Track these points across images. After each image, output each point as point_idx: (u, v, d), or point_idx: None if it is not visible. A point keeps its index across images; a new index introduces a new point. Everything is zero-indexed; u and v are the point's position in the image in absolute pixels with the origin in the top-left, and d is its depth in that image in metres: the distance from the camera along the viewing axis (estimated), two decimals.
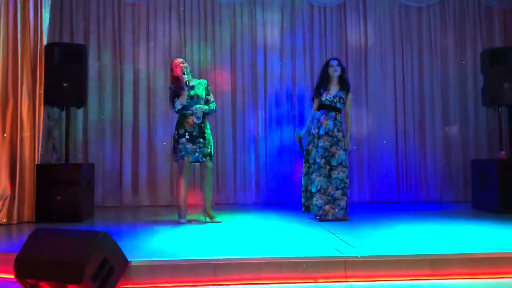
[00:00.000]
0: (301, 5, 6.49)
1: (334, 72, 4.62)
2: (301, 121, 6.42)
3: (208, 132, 4.51)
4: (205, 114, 4.52)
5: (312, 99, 4.80)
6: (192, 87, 4.50)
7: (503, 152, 5.49)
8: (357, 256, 2.97)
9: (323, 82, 4.66)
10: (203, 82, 4.64)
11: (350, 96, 4.69)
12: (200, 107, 4.45)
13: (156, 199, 6.20)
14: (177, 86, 4.47)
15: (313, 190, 4.48)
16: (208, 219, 4.53)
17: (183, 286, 2.80)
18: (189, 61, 6.32)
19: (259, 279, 2.86)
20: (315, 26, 6.51)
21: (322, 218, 4.47)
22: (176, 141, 4.47)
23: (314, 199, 4.48)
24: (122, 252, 2.76)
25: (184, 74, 4.44)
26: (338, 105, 4.63)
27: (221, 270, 2.86)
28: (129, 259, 2.79)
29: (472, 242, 3.46)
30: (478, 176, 5.41)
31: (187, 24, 6.38)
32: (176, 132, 4.49)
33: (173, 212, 5.35)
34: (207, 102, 4.54)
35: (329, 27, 6.51)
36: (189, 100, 4.44)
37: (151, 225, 4.43)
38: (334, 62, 4.69)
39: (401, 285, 2.83)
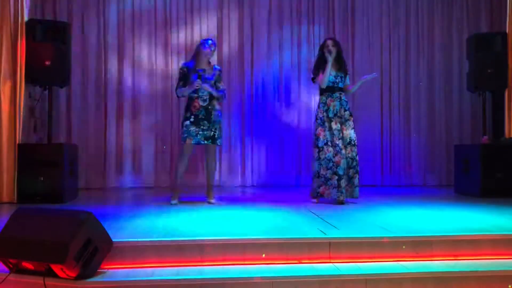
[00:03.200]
0: None
1: (330, 53, 4.56)
2: (288, 101, 6.41)
3: (215, 114, 4.47)
4: (213, 97, 4.48)
5: (313, 80, 4.74)
6: (203, 70, 4.44)
7: (486, 137, 5.57)
8: (342, 237, 3.00)
9: (321, 63, 4.61)
10: (216, 68, 4.59)
11: (347, 78, 4.70)
12: (206, 86, 4.38)
13: (141, 181, 6.15)
14: (186, 72, 4.44)
15: (341, 172, 4.44)
16: (211, 200, 4.56)
17: (169, 267, 2.79)
18: (174, 40, 6.24)
19: (244, 259, 2.87)
20: (303, 5, 6.44)
21: (343, 199, 4.44)
22: (182, 123, 4.51)
23: (343, 181, 4.44)
24: (106, 233, 2.74)
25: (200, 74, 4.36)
26: (340, 84, 4.61)
27: (208, 250, 2.85)
28: (114, 240, 2.76)
29: (454, 224, 3.51)
30: (461, 160, 5.49)
31: (173, 1, 6.26)
32: (184, 115, 4.52)
33: (158, 194, 5.34)
34: (216, 89, 4.49)
35: (317, 7, 6.45)
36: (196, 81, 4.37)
37: (136, 207, 4.41)
38: (330, 43, 4.63)
39: (384, 266, 2.86)
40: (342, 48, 6.26)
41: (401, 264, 2.89)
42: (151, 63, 6.24)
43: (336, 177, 4.45)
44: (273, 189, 5.99)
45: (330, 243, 2.94)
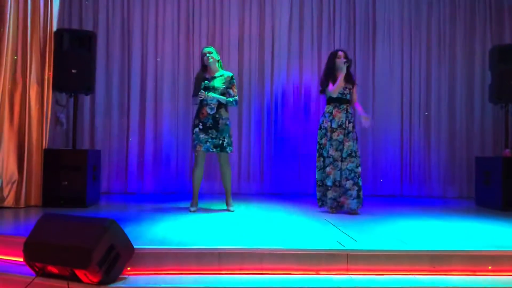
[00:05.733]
0: None
1: (342, 64, 4.59)
2: (307, 109, 6.45)
3: (223, 123, 4.52)
4: (222, 105, 4.54)
5: (320, 92, 4.78)
6: (213, 78, 4.54)
7: (508, 150, 5.49)
8: (360, 250, 3.01)
9: (331, 73, 4.64)
10: (227, 74, 4.64)
11: (355, 88, 4.73)
12: (212, 95, 4.45)
13: (161, 186, 6.25)
14: (198, 81, 4.55)
15: (329, 183, 4.52)
16: (230, 207, 4.64)
17: (188, 274, 2.85)
18: (197, 49, 6.33)
19: (262, 269, 2.91)
20: (324, 16, 6.49)
21: (337, 210, 4.54)
22: (192, 130, 4.61)
23: (329, 192, 4.53)
24: (128, 239, 2.81)
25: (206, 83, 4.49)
26: (348, 96, 4.64)
27: (226, 259, 2.90)
28: (134, 246, 2.84)
29: (474, 239, 3.48)
30: (482, 173, 5.42)
31: (196, 11, 6.38)
32: (193, 121, 4.63)
33: (178, 200, 5.42)
34: (226, 94, 4.55)
35: (338, 18, 6.48)
36: (205, 91, 4.46)
37: (156, 213, 4.49)
38: (342, 54, 4.67)
39: (402, 280, 2.86)
40: (362, 56, 6.41)
41: (418, 278, 2.89)
42: (173, 72, 6.35)
43: (337, 191, 4.52)
44: (291, 197, 6.01)
45: (347, 255, 2.96)
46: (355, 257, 2.96)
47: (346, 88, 4.63)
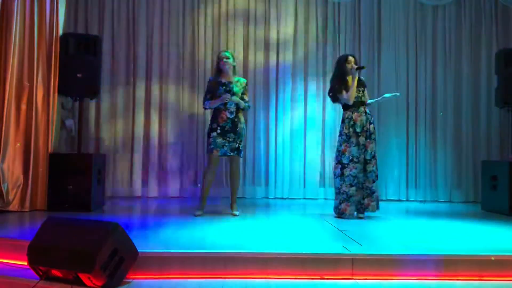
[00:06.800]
0: (315, 1, 6.49)
1: (354, 69, 4.52)
2: (312, 116, 6.44)
3: (241, 127, 4.56)
4: (239, 109, 4.57)
5: (333, 96, 4.63)
6: (230, 83, 4.57)
7: None
8: (365, 254, 2.99)
9: (342, 79, 4.57)
10: (242, 80, 4.69)
11: (366, 91, 4.68)
12: (236, 98, 4.48)
13: (166, 190, 6.25)
14: (213, 85, 4.55)
15: (353, 188, 4.45)
16: (235, 212, 4.61)
17: (192, 279, 2.84)
18: (201, 53, 6.35)
19: (266, 273, 2.90)
20: (329, 23, 6.49)
21: (361, 211, 4.49)
22: (208, 134, 4.60)
23: (352, 197, 4.44)
24: (132, 243, 2.81)
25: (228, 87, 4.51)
26: (363, 98, 4.60)
27: (230, 263, 2.89)
28: (139, 250, 2.83)
29: (481, 243, 3.46)
30: (488, 177, 5.39)
31: (201, 16, 6.40)
32: (210, 125, 4.61)
33: (182, 204, 5.41)
34: (242, 100, 4.57)
35: (342, 23, 6.49)
36: (225, 94, 4.48)
37: (161, 217, 4.48)
38: (352, 59, 4.61)
39: (407, 285, 2.84)
40: (368, 61, 6.39)
41: (424, 283, 2.86)
42: (178, 76, 6.36)
43: (360, 193, 4.46)
44: (297, 202, 5.99)
45: (352, 260, 2.94)
46: (360, 262, 2.94)
47: (359, 90, 4.58)
